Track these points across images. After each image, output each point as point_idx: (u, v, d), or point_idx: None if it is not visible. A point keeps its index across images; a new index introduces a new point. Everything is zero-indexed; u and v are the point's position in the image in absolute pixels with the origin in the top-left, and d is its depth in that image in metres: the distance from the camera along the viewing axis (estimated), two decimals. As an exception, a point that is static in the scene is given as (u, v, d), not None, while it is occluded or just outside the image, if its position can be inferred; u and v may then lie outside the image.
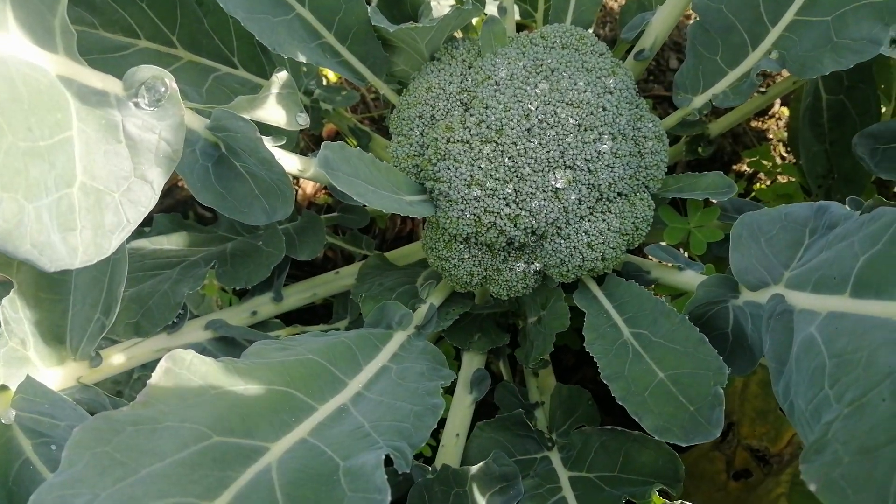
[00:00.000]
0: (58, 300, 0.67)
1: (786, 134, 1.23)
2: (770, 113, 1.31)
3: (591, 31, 0.93)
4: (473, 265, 0.76)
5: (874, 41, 0.60)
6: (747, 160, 1.08)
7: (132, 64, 0.76)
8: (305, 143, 1.31)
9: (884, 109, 1.03)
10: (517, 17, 1.01)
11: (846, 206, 0.60)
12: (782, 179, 1.08)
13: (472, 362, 0.88)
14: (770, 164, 1.05)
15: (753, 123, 1.33)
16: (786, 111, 1.27)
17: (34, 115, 0.48)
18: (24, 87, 0.48)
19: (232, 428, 0.49)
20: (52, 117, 0.50)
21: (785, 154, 1.21)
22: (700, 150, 1.03)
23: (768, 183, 1.14)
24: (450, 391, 0.87)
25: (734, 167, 1.23)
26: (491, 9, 0.96)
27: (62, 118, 0.51)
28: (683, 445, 0.58)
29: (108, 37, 0.76)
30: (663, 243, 0.82)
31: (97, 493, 0.42)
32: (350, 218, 1.00)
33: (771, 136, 1.29)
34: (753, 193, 1.06)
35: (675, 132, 0.96)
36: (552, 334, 0.77)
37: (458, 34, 0.84)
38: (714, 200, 0.80)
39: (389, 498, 0.45)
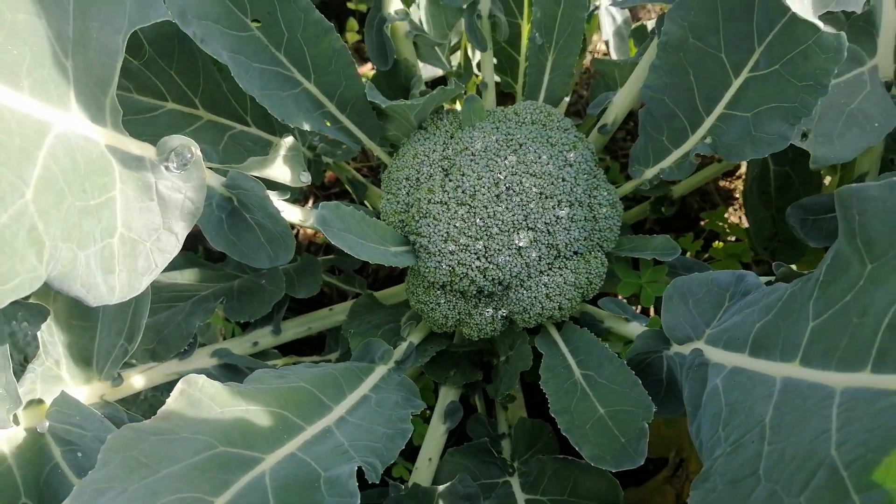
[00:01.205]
0: (87, 327, 0.77)
1: (747, 196, 1.34)
2: (738, 174, 1.43)
3: (567, 98, 1.06)
4: (448, 309, 0.86)
5: (783, 136, 0.71)
6: (705, 220, 1.20)
7: (161, 123, 0.88)
8: (309, 188, 1.43)
9: (829, 180, 1.14)
10: (499, 82, 1.13)
11: (759, 277, 0.71)
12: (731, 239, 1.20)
13: (447, 395, 0.98)
14: (724, 224, 1.16)
15: (722, 183, 1.44)
16: (749, 174, 1.39)
17: (87, 180, 0.59)
18: (80, 157, 0.59)
19: (235, 441, 0.60)
20: (101, 181, 0.61)
21: (743, 215, 1.33)
22: (663, 209, 1.15)
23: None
24: (427, 420, 0.97)
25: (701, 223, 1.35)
26: (487, 74, 1.08)
27: (108, 181, 0.62)
28: (613, 471, 0.69)
29: (141, 99, 0.88)
30: (619, 296, 0.93)
31: (126, 487, 0.52)
32: (344, 260, 1.11)
33: (737, 196, 1.40)
34: (708, 252, 1.17)
35: (641, 193, 1.08)
36: (517, 373, 0.88)
37: (446, 105, 0.96)
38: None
39: (359, 501, 0.55)
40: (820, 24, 0.63)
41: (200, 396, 0.62)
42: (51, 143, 0.56)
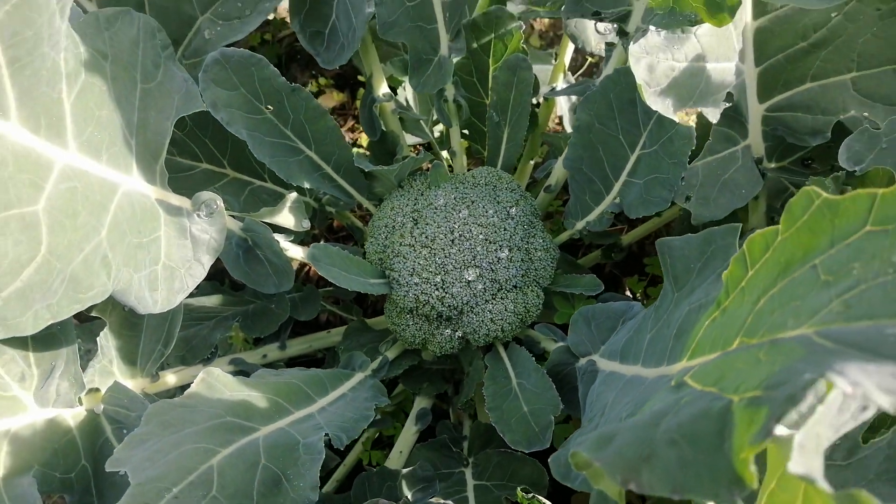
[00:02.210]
0: (133, 336, 1.01)
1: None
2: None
3: (532, 161, 1.29)
4: (416, 329, 1.09)
5: (665, 199, 0.93)
6: (647, 264, 1.41)
7: (197, 179, 1.13)
8: (320, 232, 1.68)
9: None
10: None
11: (643, 305, 0.92)
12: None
13: (420, 403, 1.20)
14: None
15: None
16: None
17: (142, 224, 0.83)
18: (138, 207, 0.84)
19: (239, 414, 0.82)
20: (151, 224, 0.85)
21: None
22: (613, 255, 1.37)
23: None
24: (402, 423, 1.19)
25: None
26: (455, 144, 1.32)
27: (155, 225, 0.86)
28: (527, 452, 0.90)
29: (182, 161, 1.13)
30: (556, 323, 1.15)
31: (160, 438, 0.75)
32: (340, 291, 1.34)
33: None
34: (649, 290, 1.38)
35: (592, 241, 1.30)
36: (473, 383, 1.10)
37: (426, 165, 1.20)
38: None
39: (323, 455, 0.77)
40: (676, 119, 0.86)
41: (215, 383, 0.85)
42: (119, 198, 0.81)
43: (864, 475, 0.62)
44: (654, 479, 0.40)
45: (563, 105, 1.36)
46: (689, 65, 0.87)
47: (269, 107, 0.99)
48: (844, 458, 0.63)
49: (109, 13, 0.85)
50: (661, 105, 0.85)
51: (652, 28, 0.84)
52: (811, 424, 0.37)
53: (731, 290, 0.56)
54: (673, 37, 0.85)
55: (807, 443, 0.37)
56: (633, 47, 0.83)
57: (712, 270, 0.67)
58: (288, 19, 1.25)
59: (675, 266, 0.71)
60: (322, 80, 1.79)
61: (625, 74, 0.92)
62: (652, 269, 1.39)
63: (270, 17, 1.79)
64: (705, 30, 0.87)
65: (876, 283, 0.42)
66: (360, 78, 1.77)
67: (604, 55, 1.12)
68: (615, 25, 1.00)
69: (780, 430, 0.41)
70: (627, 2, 0.99)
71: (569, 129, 1.37)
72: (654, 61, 0.84)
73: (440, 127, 1.41)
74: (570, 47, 1.31)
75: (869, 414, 0.44)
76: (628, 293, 1.44)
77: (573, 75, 1.57)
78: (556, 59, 1.32)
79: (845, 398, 0.41)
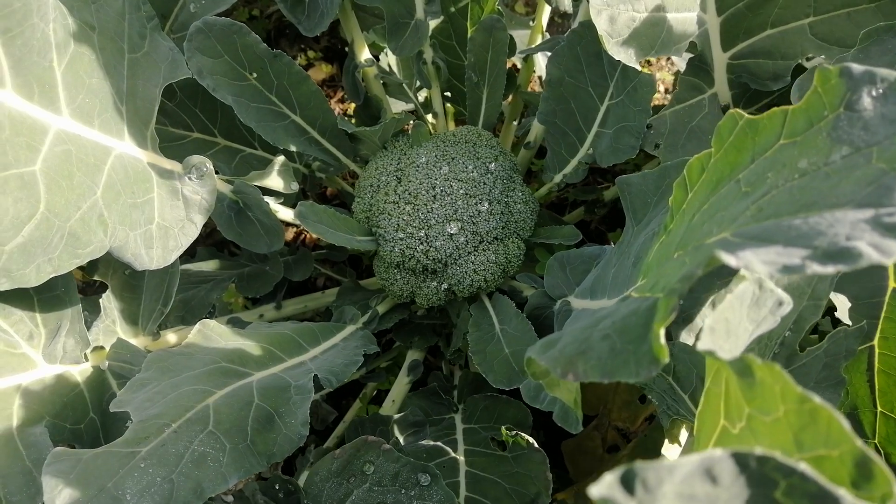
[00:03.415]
0: (134, 297, 1.06)
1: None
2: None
3: (516, 122, 1.33)
4: (404, 283, 1.14)
5: (633, 147, 0.98)
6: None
7: (188, 148, 1.17)
8: (314, 198, 1.72)
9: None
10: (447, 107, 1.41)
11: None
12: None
13: (412, 356, 1.25)
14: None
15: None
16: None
17: (136, 185, 0.88)
18: (130, 170, 0.89)
19: (234, 361, 0.87)
20: (144, 186, 0.90)
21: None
22: (596, 210, 1.41)
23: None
24: (395, 375, 1.24)
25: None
26: (437, 105, 1.36)
27: (148, 186, 0.91)
28: (507, 389, 0.95)
29: (174, 131, 1.18)
30: (538, 274, 1.19)
31: (159, 382, 0.80)
32: (334, 253, 1.39)
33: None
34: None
35: (577, 197, 1.34)
36: (461, 333, 1.15)
37: (408, 126, 1.25)
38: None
39: (313, 394, 0.83)
40: (638, 68, 0.90)
41: (211, 333, 0.90)
42: (112, 161, 0.86)
43: (805, 382, 0.66)
44: (589, 368, 0.45)
45: (541, 65, 1.39)
46: (649, 15, 0.91)
47: (254, 73, 1.03)
48: (784, 365, 0.68)
49: (95, -14, 0.89)
50: (623, 55, 0.89)
51: (612, -20, 0.88)
52: (720, 311, 0.42)
53: (675, 213, 0.61)
54: (633, -12, 0.89)
55: (716, 326, 0.42)
56: (594, 0, 0.87)
57: (666, 202, 0.72)
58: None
59: (633, 201, 0.75)
60: (311, 54, 1.83)
61: (590, 27, 0.96)
62: (634, 223, 1.43)
63: (257, -8, 1.83)
64: (665, -19, 0.91)
65: (784, 188, 0.46)
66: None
67: (572, 13, 1.15)
68: (582, -19, 1.04)
69: (685, 337, 0.46)
70: (593, -42, 1.03)
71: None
72: (615, 13, 0.88)
73: (425, 93, 1.45)
74: (547, 10, 1.35)
75: (785, 310, 0.49)
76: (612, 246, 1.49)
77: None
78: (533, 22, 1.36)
79: (760, 292, 0.46)
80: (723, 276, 0.56)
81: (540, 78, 1.42)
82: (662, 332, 0.40)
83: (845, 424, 0.32)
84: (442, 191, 1.07)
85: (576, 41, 0.99)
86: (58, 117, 0.80)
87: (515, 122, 1.41)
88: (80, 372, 0.97)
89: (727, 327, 0.42)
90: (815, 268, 0.35)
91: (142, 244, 0.88)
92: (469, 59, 1.19)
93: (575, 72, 1.01)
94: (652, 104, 0.95)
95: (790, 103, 0.53)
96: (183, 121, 1.18)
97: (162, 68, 0.92)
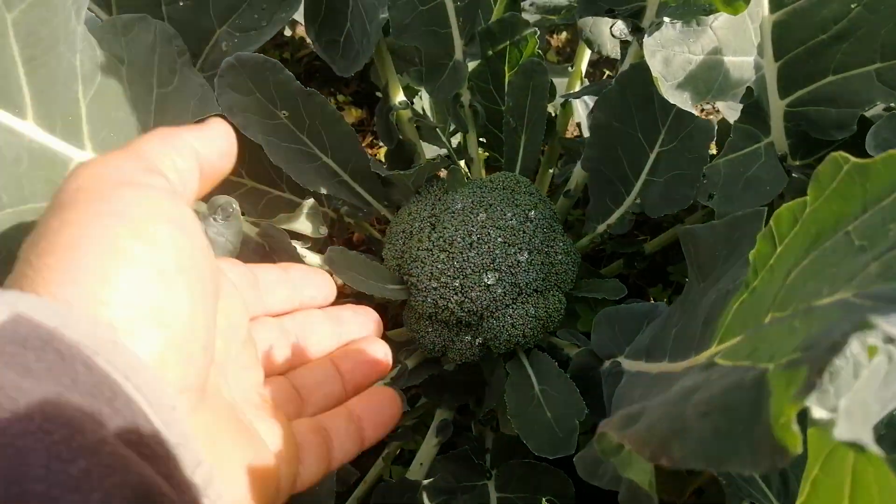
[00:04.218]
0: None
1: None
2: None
3: (551, 171, 1.27)
4: (436, 336, 1.07)
5: (687, 196, 0.92)
6: (671, 272, 1.39)
7: (214, 188, 1.12)
8: (341, 244, 1.67)
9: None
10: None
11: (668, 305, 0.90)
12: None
13: (441, 415, 1.18)
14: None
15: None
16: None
17: (158, 227, 0.83)
18: (153, 210, 0.83)
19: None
20: (167, 228, 0.85)
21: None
22: (636, 264, 1.34)
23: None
24: (420, 433, 1.16)
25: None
26: (472, 150, 1.31)
27: (172, 228, 0.86)
28: (551, 458, 0.87)
29: (199, 171, 1.13)
30: (579, 330, 1.12)
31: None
32: (361, 300, 1.33)
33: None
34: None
35: (615, 249, 1.28)
36: (495, 393, 1.07)
37: (443, 172, 1.19)
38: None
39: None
40: (695, 113, 0.84)
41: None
42: (134, 200, 0.80)
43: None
44: (687, 452, 0.38)
45: (580, 112, 1.35)
46: (705, 57, 0.85)
47: (285, 112, 0.99)
48: (889, 450, 0.60)
49: (127, 19, 0.85)
50: (678, 98, 0.83)
51: (666, 20, 0.83)
52: (857, 389, 0.35)
53: (759, 269, 0.54)
54: (688, 29, 0.84)
55: (853, 409, 0.35)
56: (647, 41, 0.82)
57: (738, 256, 0.65)
58: (306, 38, 1.26)
59: (699, 255, 0.69)
60: (341, 97, 1.80)
61: (641, 70, 0.91)
62: (676, 277, 1.36)
63: (288, 33, 1.81)
64: (721, 22, 0.86)
65: (915, 242, 0.39)
66: (379, 94, 1.78)
67: (619, 57, 1.11)
68: (630, 23, 0.99)
69: (819, 413, 0.39)
70: (641, -2, 0.99)
71: (587, 136, 1.35)
72: (669, 54, 0.83)
73: (458, 138, 1.41)
74: (587, 55, 1.30)
75: (914, 385, 0.42)
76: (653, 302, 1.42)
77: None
78: (572, 68, 1.32)
79: (889, 366, 0.39)
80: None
81: (578, 125, 1.37)
82: (793, 414, 0.33)
83: None
84: (479, 238, 1.01)
85: (625, 84, 0.94)
86: (80, 151, 0.75)
87: (552, 170, 1.36)
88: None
89: (864, 411, 0.35)
90: None
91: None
92: (508, 103, 1.14)
93: (623, 116, 0.95)
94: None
95: (855, 153, 0.47)
96: (209, 161, 1.13)
97: (191, 104, 0.87)
